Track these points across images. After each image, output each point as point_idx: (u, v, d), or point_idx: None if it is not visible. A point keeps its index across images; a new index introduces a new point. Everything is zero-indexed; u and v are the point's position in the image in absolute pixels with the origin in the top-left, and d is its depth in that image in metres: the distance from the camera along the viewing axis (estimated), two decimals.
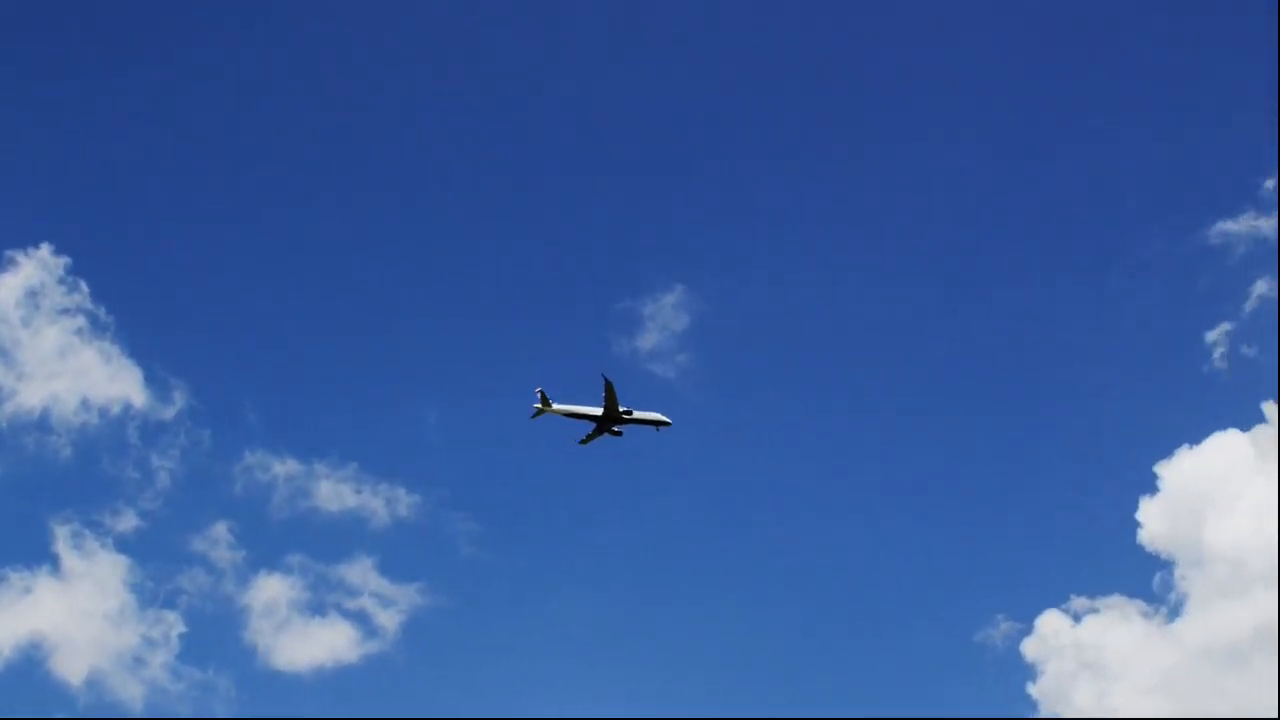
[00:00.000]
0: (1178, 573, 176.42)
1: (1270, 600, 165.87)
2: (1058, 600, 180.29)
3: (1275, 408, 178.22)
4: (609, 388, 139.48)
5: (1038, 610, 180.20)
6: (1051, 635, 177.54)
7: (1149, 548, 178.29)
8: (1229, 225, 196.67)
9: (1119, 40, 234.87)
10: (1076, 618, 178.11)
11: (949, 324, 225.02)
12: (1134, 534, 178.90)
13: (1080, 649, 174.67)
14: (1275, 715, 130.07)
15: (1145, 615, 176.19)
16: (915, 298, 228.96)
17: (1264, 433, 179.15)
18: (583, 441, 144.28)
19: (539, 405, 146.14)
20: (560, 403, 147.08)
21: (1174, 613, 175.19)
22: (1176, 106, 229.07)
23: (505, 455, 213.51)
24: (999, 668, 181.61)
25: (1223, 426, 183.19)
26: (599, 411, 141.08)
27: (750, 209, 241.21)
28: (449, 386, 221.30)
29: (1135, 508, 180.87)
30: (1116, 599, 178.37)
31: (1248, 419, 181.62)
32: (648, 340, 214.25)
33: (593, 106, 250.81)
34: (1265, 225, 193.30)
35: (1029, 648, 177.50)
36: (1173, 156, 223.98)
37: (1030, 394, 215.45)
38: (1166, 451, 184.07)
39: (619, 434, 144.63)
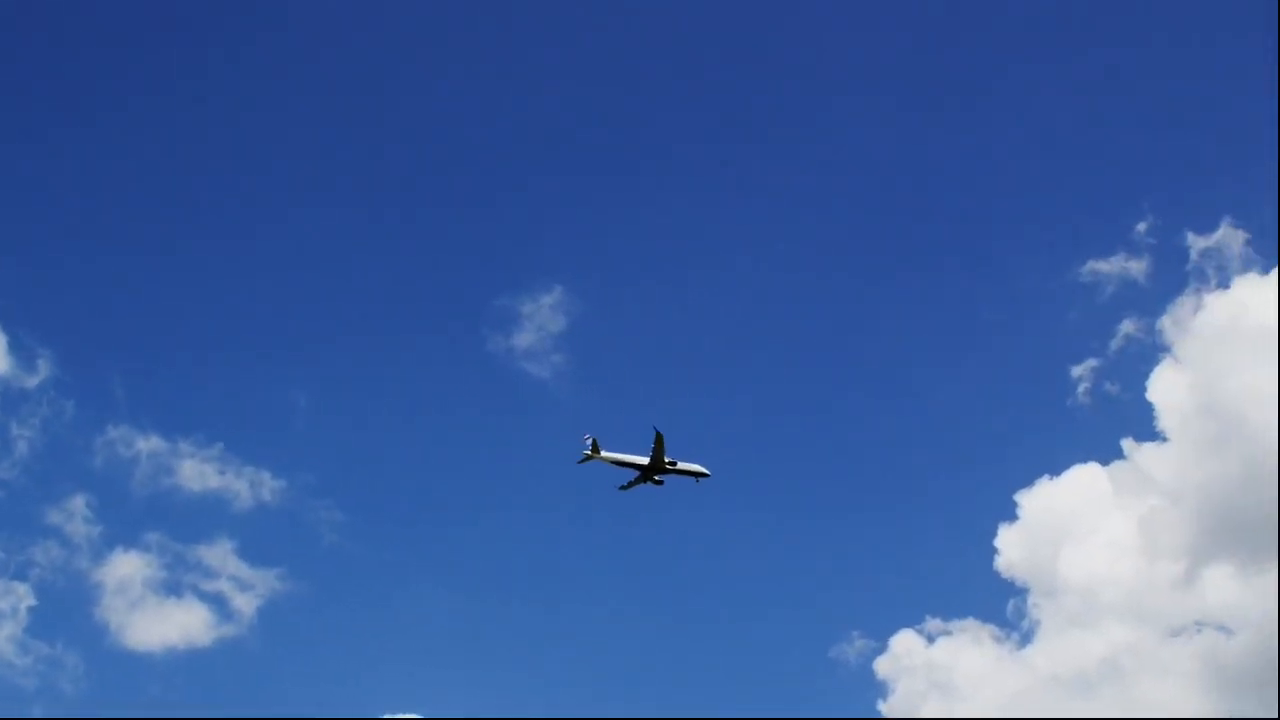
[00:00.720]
0: (1031, 600, 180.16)
1: (1120, 632, 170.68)
2: (913, 620, 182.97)
3: (1134, 445, 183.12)
4: (659, 439, 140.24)
5: (893, 629, 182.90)
6: (905, 654, 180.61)
7: (1005, 574, 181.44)
8: (1101, 265, 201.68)
9: (1015, 79, 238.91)
10: (930, 639, 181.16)
11: (820, 343, 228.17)
12: (991, 560, 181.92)
13: (932, 669, 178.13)
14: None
15: (997, 640, 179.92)
16: (788, 315, 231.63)
17: (1122, 468, 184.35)
18: (623, 488, 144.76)
19: (588, 452, 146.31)
20: (610, 450, 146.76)
21: (1025, 639, 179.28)
22: (1059, 145, 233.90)
23: (373, 445, 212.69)
24: (852, 684, 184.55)
25: (1083, 460, 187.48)
26: (645, 461, 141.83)
27: (633, 213, 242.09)
28: (321, 373, 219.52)
29: (994, 534, 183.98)
30: (970, 622, 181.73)
31: (1107, 454, 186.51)
32: (524, 339, 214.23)
33: (484, 104, 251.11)
34: (1135, 267, 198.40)
35: (882, 665, 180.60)
36: (1052, 194, 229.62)
37: (899, 416, 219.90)
38: (1027, 481, 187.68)
39: (660, 483, 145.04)
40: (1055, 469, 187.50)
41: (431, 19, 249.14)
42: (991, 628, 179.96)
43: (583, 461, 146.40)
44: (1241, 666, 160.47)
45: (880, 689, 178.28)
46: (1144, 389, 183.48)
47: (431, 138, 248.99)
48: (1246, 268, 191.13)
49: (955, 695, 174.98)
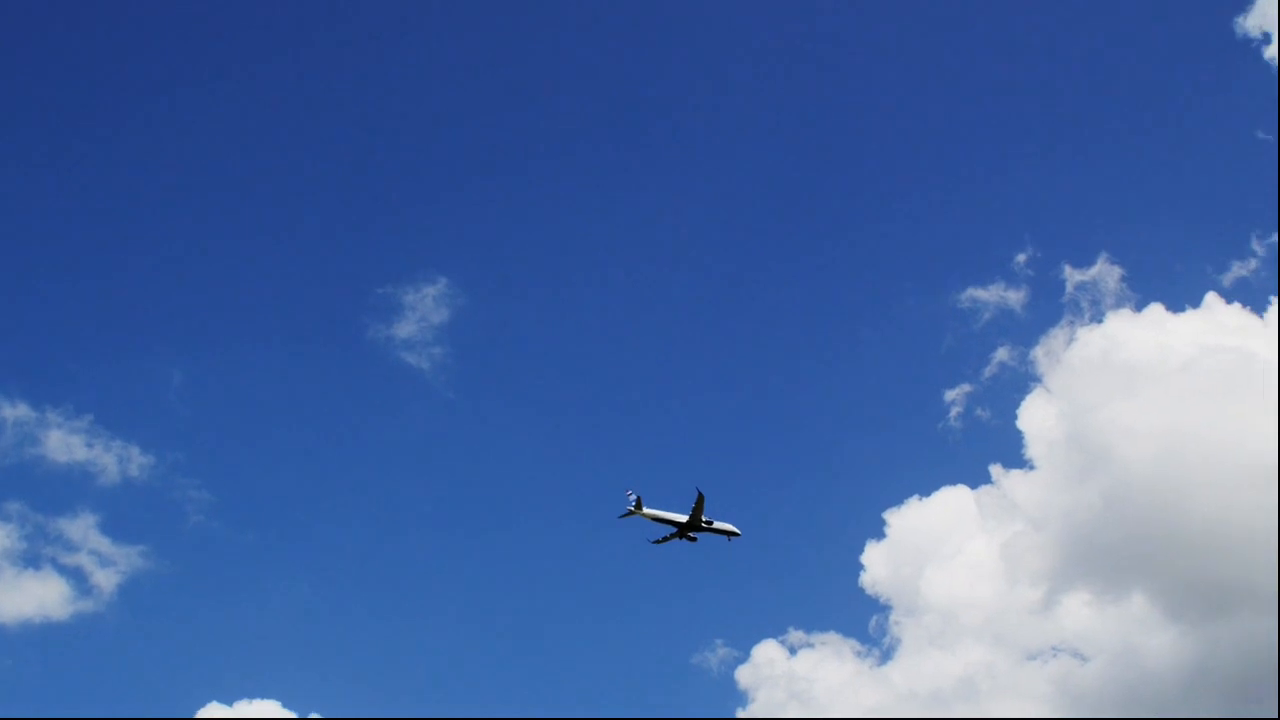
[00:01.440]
0: (893, 618, 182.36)
1: (978, 653, 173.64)
2: (776, 631, 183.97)
3: (1002, 471, 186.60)
4: (700, 500, 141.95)
5: (756, 639, 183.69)
6: (766, 664, 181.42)
7: (869, 591, 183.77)
8: (980, 293, 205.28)
9: (910, 106, 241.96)
10: (792, 650, 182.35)
11: (699, 352, 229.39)
12: (857, 576, 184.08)
13: (792, 680, 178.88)
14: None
15: (858, 654, 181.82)
16: (669, 319, 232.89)
17: (989, 493, 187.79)
18: (655, 541, 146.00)
19: (631, 508, 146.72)
20: (651, 508, 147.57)
21: (886, 656, 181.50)
22: (946, 173, 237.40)
23: (246, 427, 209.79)
24: (712, 691, 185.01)
25: (952, 482, 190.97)
26: (683, 519, 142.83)
27: (522, 210, 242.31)
28: (199, 351, 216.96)
29: (861, 551, 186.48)
30: (832, 636, 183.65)
31: (976, 478, 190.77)
32: (404, 329, 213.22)
33: (377, 93, 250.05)
34: (1013, 297, 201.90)
35: (743, 674, 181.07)
36: (937, 220, 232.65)
37: (774, 429, 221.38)
38: (897, 500, 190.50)
39: (694, 540, 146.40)
40: (925, 490, 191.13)
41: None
42: (853, 642, 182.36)
43: (625, 516, 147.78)
44: (1094, 692, 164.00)
45: (740, 698, 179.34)
46: (1014, 416, 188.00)
47: (325, 123, 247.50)
48: (1120, 303, 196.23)
49: (814, 706, 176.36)
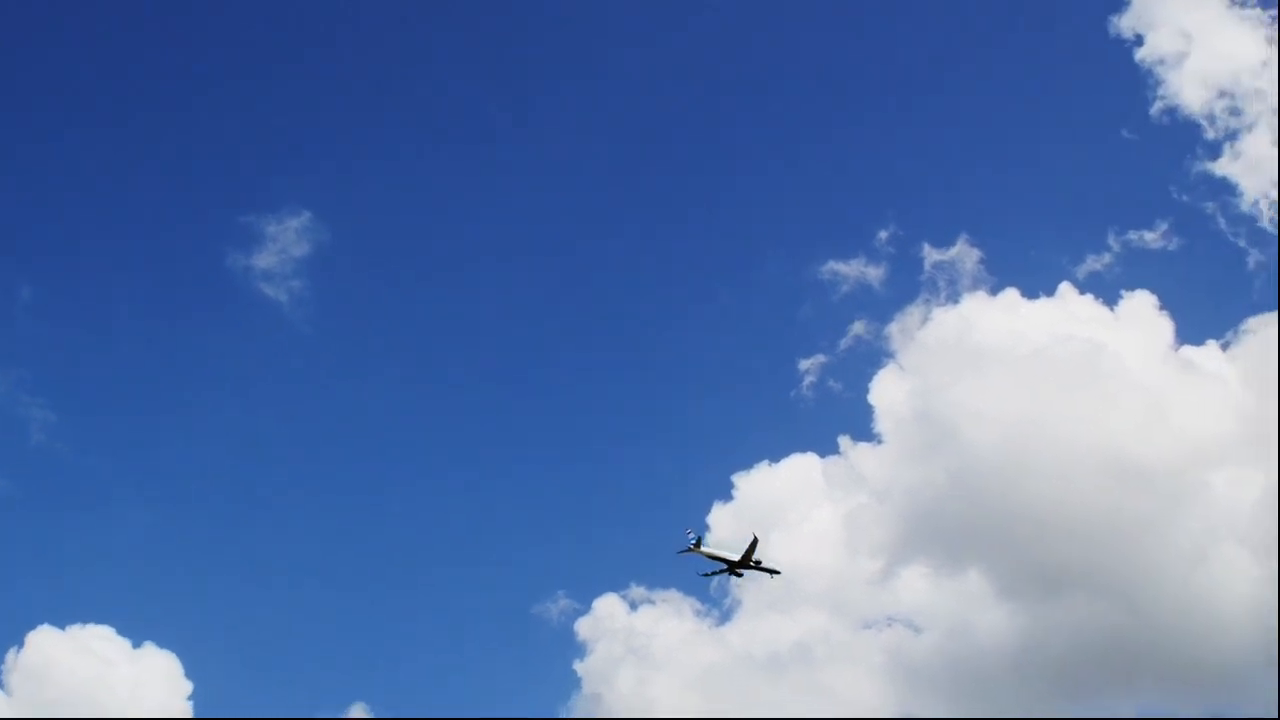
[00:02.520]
0: (734, 580, 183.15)
1: (816, 619, 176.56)
2: (618, 586, 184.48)
3: (850, 442, 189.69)
4: (754, 543, 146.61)
5: (598, 593, 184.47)
6: (606, 618, 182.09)
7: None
8: (840, 266, 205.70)
9: (791, 76, 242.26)
10: (633, 605, 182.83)
11: (563, 300, 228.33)
12: (703, 536, 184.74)
13: (631, 635, 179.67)
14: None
15: (698, 614, 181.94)
16: (533, 269, 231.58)
17: (836, 464, 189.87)
18: (704, 574, 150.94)
19: (691, 546, 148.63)
20: (709, 547, 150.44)
21: (725, 617, 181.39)
22: (816, 148, 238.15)
23: (95, 348, 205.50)
24: (551, 642, 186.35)
25: (802, 450, 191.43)
26: (735, 558, 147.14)
27: (395, 150, 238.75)
28: (51, 268, 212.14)
29: (708, 512, 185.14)
30: (674, 594, 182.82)
31: (825, 447, 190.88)
32: (264, 259, 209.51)
33: (255, 23, 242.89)
34: (872, 273, 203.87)
35: (583, 626, 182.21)
36: (802, 193, 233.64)
37: (631, 389, 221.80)
38: (747, 464, 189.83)
39: (740, 575, 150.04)
40: (775, 456, 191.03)
41: None
42: (694, 601, 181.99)
43: (683, 553, 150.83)
44: (925, 663, 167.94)
45: (579, 649, 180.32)
46: (866, 390, 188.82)
47: (204, 54, 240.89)
48: (976, 286, 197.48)
49: (650, 663, 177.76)
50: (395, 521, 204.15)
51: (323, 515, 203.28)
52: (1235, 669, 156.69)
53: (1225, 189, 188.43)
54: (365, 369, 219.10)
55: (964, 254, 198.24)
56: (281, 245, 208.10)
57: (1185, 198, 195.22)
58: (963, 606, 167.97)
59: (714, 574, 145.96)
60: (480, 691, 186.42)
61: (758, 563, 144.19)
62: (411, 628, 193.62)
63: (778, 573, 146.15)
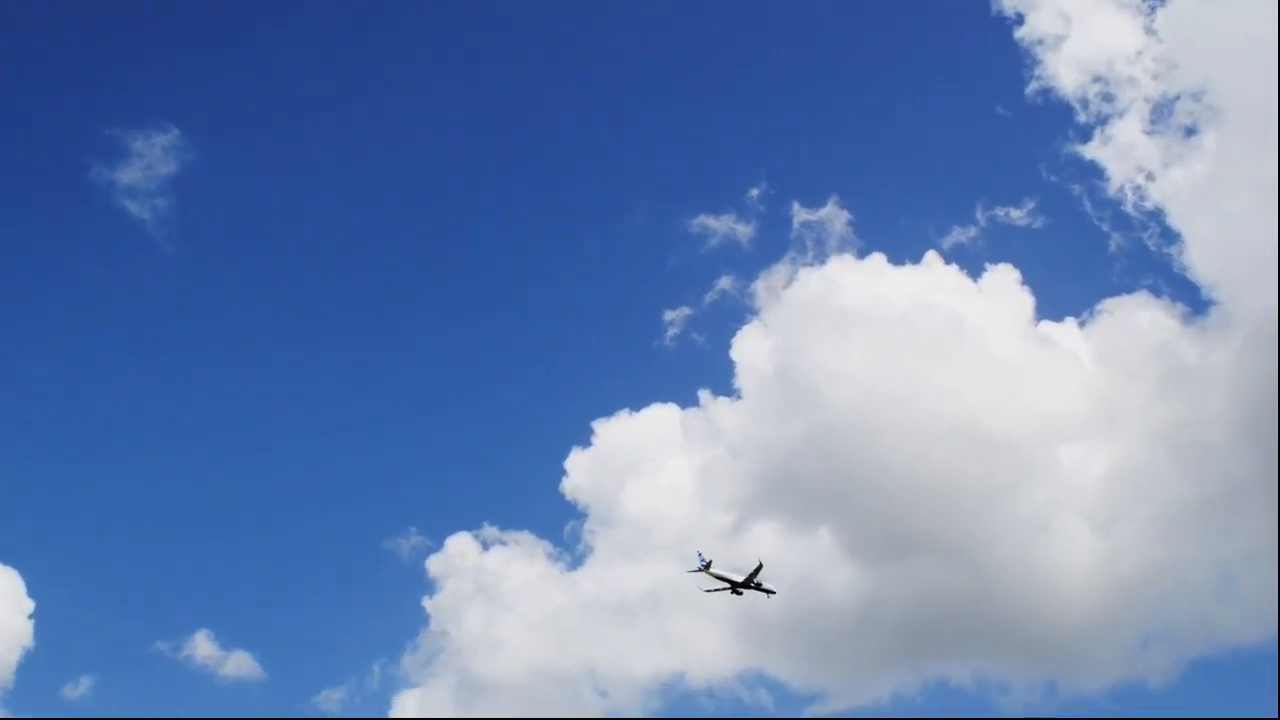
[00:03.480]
0: (588, 526, 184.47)
1: (666, 570, 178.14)
2: (472, 525, 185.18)
3: (710, 396, 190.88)
4: (759, 568, 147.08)
5: (451, 530, 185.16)
6: (458, 556, 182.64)
7: (569, 497, 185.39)
8: (710, 220, 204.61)
9: (661, 27, 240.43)
10: (486, 545, 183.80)
11: (432, 239, 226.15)
12: (559, 481, 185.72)
13: (481, 574, 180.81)
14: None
15: (550, 557, 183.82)
16: (403, 208, 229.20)
17: (695, 416, 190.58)
18: (708, 590, 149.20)
19: (701, 568, 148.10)
20: (719, 569, 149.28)
21: (577, 562, 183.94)
22: (691, 105, 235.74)
23: None
24: (401, 578, 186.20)
25: (663, 400, 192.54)
26: (739, 579, 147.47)
27: (269, 75, 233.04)
28: None
29: (566, 457, 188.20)
30: (526, 536, 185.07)
31: (685, 400, 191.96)
32: (128, 175, 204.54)
33: None
34: (742, 230, 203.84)
35: (434, 564, 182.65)
36: (677, 146, 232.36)
37: (495, 329, 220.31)
38: (608, 411, 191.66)
39: (740, 594, 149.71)
40: (636, 405, 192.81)
41: None
42: (546, 544, 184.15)
43: (693, 572, 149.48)
44: (772, 617, 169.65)
45: (429, 586, 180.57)
46: (729, 346, 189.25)
47: None
48: (844, 248, 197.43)
49: (499, 603, 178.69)
50: (249, 449, 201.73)
51: (175, 440, 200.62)
52: (1071, 638, 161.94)
53: (1093, 172, 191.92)
54: (226, 294, 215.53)
55: (833, 215, 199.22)
56: (148, 161, 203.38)
57: (1054, 178, 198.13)
58: (811, 563, 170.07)
59: (714, 590, 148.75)
60: (326, 623, 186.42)
61: (758, 584, 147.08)
62: (260, 557, 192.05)
63: (773, 593, 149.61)
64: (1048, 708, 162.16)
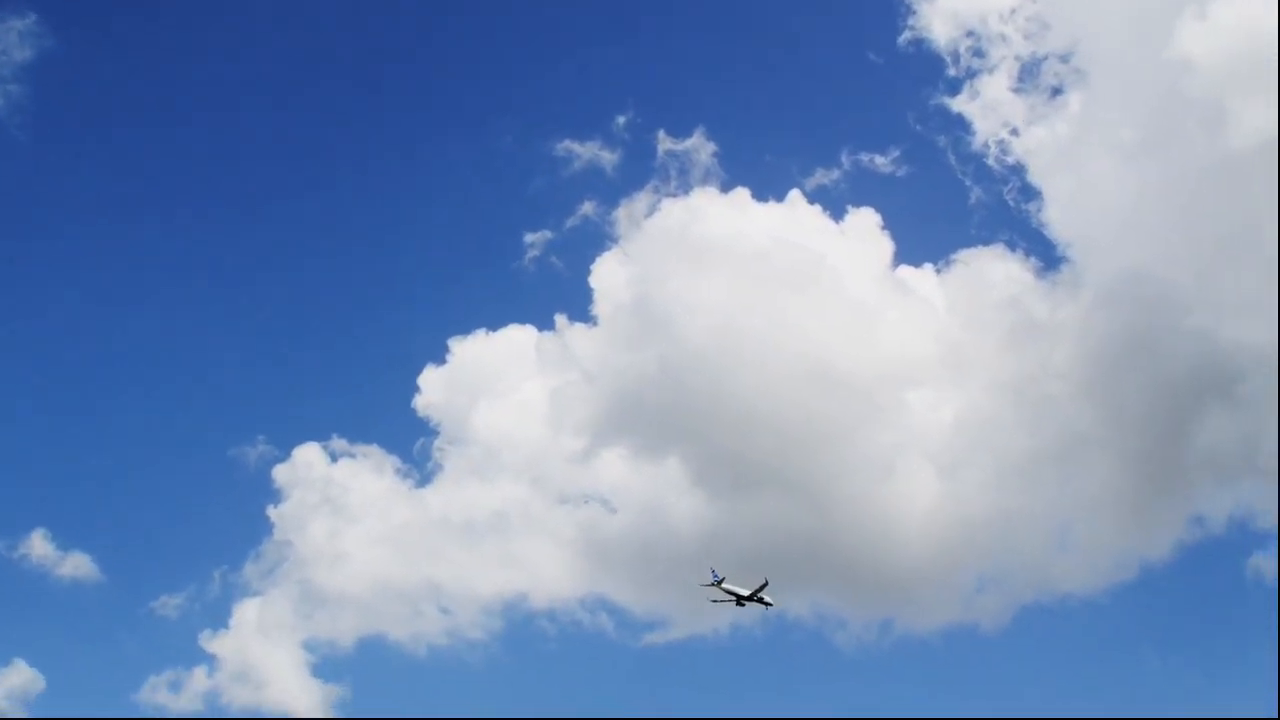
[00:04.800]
0: (439, 443, 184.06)
1: (515, 491, 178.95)
2: (320, 436, 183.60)
3: (566, 321, 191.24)
4: (764, 585, 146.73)
5: (299, 440, 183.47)
6: (305, 466, 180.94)
7: (421, 413, 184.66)
8: (575, 145, 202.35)
9: None
10: (334, 457, 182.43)
11: (291, 148, 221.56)
12: (411, 396, 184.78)
13: (328, 485, 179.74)
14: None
15: (399, 473, 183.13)
16: (259, 117, 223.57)
17: (551, 340, 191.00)
18: (714, 600, 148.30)
19: (714, 583, 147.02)
20: (730, 584, 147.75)
21: (426, 479, 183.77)
22: (566, 28, 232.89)
23: None
24: (246, 485, 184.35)
25: (521, 322, 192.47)
26: (745, 593, 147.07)
27: None
28: None
29: (420, 372, 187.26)
30: (375, 450, 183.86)
31: (542, 323, 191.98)
32: None
33: None
34: (606, 156, 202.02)
35: (280, 473, 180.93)
36: (545, 68, 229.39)
37: (353, 245, 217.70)
38: (465, 329, 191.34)
39: (743, 605, 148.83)
40: (493, 325, 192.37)
41: None
42: (395, 460, 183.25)
43: (705, 585, 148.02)
44: (618, 542, 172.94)
45: (274, 495, 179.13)
46: (588, 272, 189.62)
47: None
48: (708, 181, 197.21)
49: (344, 515, 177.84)
50: (95, 343, 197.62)
51: (19, 330, 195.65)
52: (909, 579, 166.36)
53: (960, 125, 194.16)
54: (75, 185, 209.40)
55: (699, 146, 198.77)
56: (2, 47, 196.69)
57: (920, 128, 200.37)
58: (659, 491, 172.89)
59: (720, 601, 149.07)
60: (167, 527, 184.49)
61: (761, 598, 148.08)
62: (101, 457, 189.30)
63: (771, 605, 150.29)
64: (882, 645, 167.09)
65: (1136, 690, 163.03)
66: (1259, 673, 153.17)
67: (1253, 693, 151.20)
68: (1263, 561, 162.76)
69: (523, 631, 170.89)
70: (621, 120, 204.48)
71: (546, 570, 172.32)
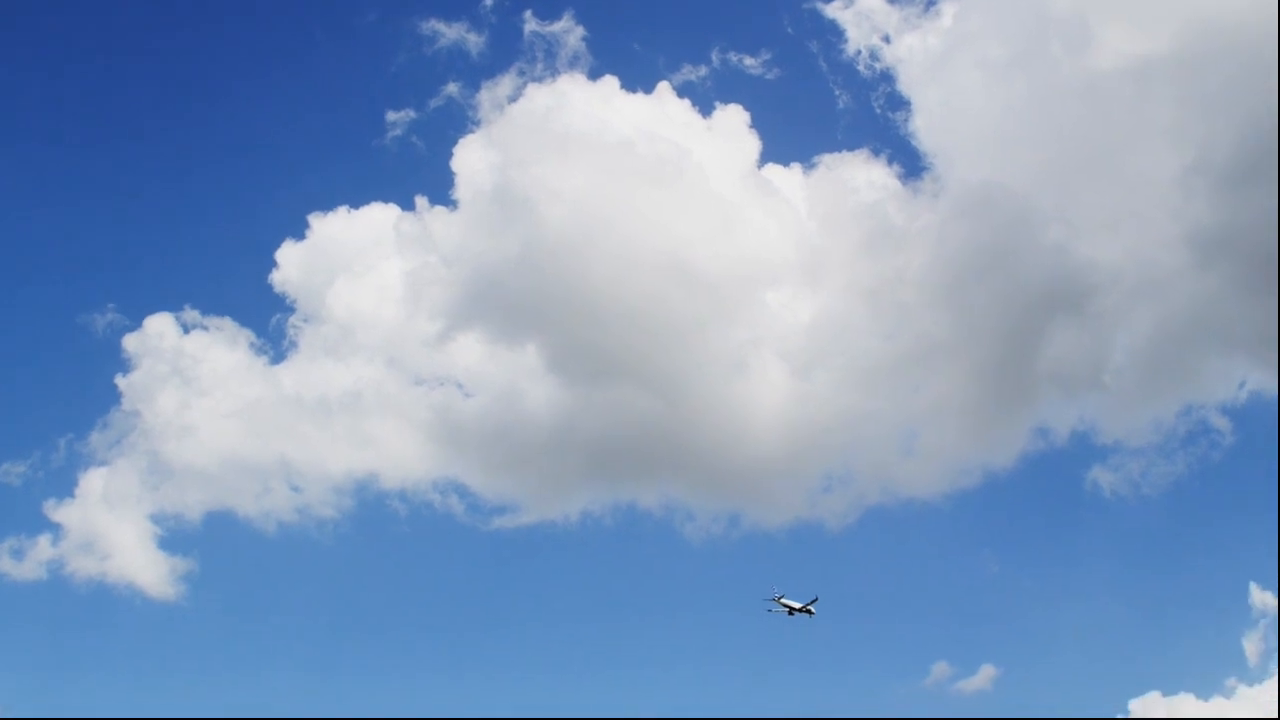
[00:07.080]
0: (294, 320, 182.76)
1: (369, 371, 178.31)
2: (173, 307, 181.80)
3: (426, 204, 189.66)
4: (814, 600, 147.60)
5: (151, 310, 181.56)
6: (156, 336, 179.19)
7: (278, 289, 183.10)
8: (441, 25, 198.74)
9: None
10: (186, 328, 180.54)
11: (159, 36, 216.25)
12: (269, 271, 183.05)
13: (179, 357, 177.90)
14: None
15: (254, 348, 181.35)
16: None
17: (410, 221, 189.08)
18: (770, 610, 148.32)
19: (777, 598, 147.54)
20: (788, 599, 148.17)
21: (280, 355, 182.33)
22: None
23: None
24: (94, 353, 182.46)
25: (384, 201, 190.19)
26: (799, 606, 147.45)
27: None
28: None
29: (278, 247, 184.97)
30: (229, 323, 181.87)
31: (403, 203, 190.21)
32: None
33: None
34: (473, 39, 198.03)
35: (130, 342, 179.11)
36: None
37: (210, 118, 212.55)
38: (327, 206, 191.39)
39: (792, 615, 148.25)
40: (355, 203, 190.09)
41: None
42: (250, 334, 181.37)
43: (770, 600, 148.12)
44: (471, 425, 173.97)
45: (123, 365, 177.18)
46: (450, 155, 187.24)
47: None
48: (575, 67, 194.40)
49: (195, 388, 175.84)
50: None
51: None
52: (758, 475, 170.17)
53: (833, 32, 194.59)
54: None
55: (568, 30, 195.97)
56: None
57: (792, 30, 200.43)
58: (514, 377, 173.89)
59: (774, 611, 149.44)
60: (11, 393, 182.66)
61: (808, 609, 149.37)
62: None
63: (813, 614, 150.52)
64: (730, 538, 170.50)
65: (974, 593, 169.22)
66: (1093, 580, 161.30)
67: (1087, 598, 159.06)
68: (1101, 474, 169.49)
69: (373, 511, 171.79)
70: (488, 2, 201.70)
71: (399, 451, 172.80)
